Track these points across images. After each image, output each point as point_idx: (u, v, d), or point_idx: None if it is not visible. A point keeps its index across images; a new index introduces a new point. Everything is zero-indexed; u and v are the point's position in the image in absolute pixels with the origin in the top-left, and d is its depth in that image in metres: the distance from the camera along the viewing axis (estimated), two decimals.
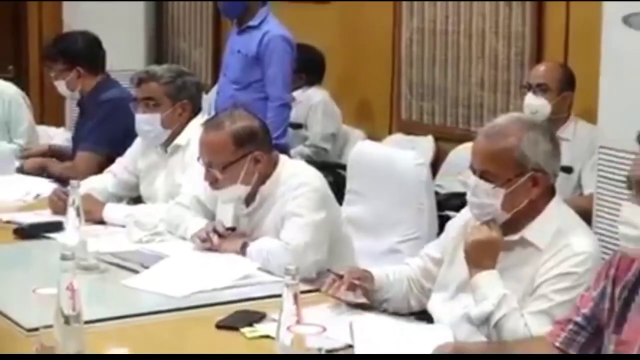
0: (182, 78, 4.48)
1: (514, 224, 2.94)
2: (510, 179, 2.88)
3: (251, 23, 5.70)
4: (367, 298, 3.13)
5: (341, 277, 3.11)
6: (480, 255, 2.81)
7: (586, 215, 4.62)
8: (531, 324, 2.79)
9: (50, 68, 5.38)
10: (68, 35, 5.92)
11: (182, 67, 4.97)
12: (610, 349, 2.49)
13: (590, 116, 4.91)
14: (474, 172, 2.96)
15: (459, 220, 3.18)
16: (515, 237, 2.93)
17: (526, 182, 2.89)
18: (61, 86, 5.30)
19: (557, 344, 2.59)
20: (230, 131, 3.66)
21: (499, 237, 2.83)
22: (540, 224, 2.92)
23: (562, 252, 2.83)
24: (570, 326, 2.59)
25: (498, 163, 2.90)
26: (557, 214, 2.95)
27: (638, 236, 2.35)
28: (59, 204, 4.16)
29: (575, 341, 2.58)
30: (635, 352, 2.40)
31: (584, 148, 4.96)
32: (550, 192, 2.98)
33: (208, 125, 3.81)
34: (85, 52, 5.30)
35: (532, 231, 2.91)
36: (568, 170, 5.02)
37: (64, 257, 2.71)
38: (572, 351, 2.57)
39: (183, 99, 4.41)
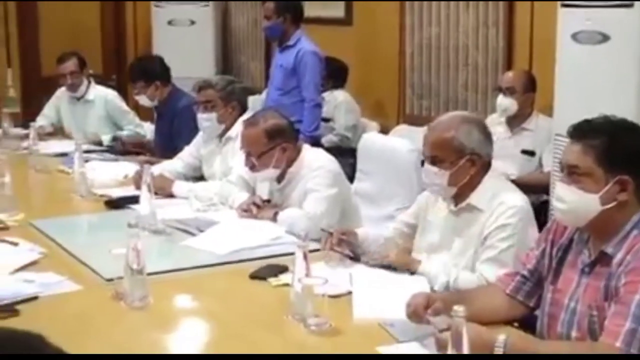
0: (232, 85, 4.51)
1: (461, 195, 2.97)
2: (453, 161, 2.91)
3: (288, 43, 5.69)
4: (352, 251, 3.14)
5: (332, 234, 3.15)
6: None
7: (545, 186, 4.63)
8: (484, 271, 2.85)
9: (133, 86, 5.38)
10: (144, 59, 5.96)
11: (232, 77, 4.98)
12: (548, 295, 2.50)
13: (549, 111, 4.87)
14: (426, 158, 3.01)
15: (426, 193, 3.19)
16: (463, 204, 2.97)
17: (465, 164, 2.92)
18: (142, 99, 5.33)
19: (508, 291, 2.59)
20: (263, 127, 3.67)
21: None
22: (480, 192, 2.95)
23: (498, 209, 2.89)
24: (518, 277, 2.59)
25: (442, 150, 2.94)
26: (492, 183, 2.98)
27: (566, 209, 2.36)
28: (139, 182, 4.17)
29: (521, 289, 2.58)
30: (567, 298, 2.40)
31: (543, 136, 4.91)
32: (486, 168, 2.99)
33: (247, 123, 3.83)
34: (159, 71, 5.32)
35: (474, 198, 2.95)
36: (531, 153, 5.01)
37: (130, 225, 2.75)
38: (519, 297, 2.58)
39: (233, 102, 4.42)
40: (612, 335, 2.14)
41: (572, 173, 2.34)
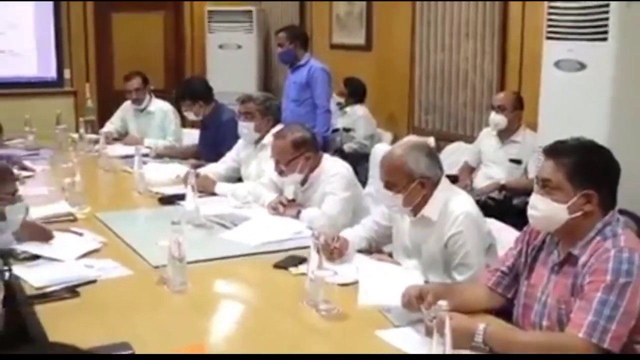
0: (269, 101, 4.49)
1: (417, 208, 2.91)
2: (404, 186, 2.85)
3: (300, 63, 5.77)
4: (340, 256, 2.99)
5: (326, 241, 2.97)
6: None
7: (529, 190, 4.51)
8: (456, 277, 2.83)
9: (181, 103, 5.37)
10: (190, 81, 5.95)
11: (270, 94, 4.89)
12: (523, 289, 2.46)
13: (534, 126, 4.80)
14: (382, 182, 2.95)
15: None
16: (419, 215, 2.92)
17: (416, 186, 2.86)
18: (189, 115, 5.32)
19: (489, 285, 2.55)
20: (290, 139, 3.64)
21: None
22: (431, 204, 2.89)
23: (449, 219, 2.84)
24: (498, 273, 2.55)
25: (394, 176, 2.89)
26: (441, 195, 2.90)
27: (539, 216, 2.34)
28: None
29: (501, 283, 2.54)
30: (539, 292, 2.38)
31: (529, 148, 4.83)
32: (435, 185, 2.91)
33: (276, 135, 3.80)
34: (203, 92, 5.30)
35: (427, 210, 2.90)
36: (518, 162, 4.94)
37: (173, 223, 2.72)
38: (499, 290, 2.54)
39: (269, 115, 4.40)
40: (577, 327, 2.10)
41: (545, 186, 2.31)
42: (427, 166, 2.89)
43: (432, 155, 2.98)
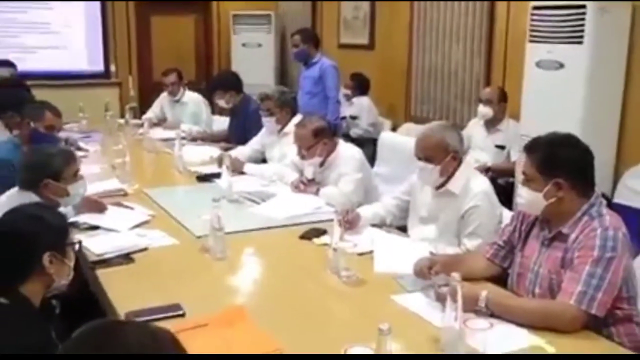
0: (285, 95, 4.39)
1: (444, 182, 2.87)
2: (442, 158, 2.82)
3: (313, 61, 5.67)
4: (352, 227, 2.92)
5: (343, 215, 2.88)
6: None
7: (511, 171, 4.51)
8: (466, 243, 2.79)
9: (214, 93, 5.27)
10: (222, 73, 5.86)
11: (284, 88, 4.79)
12: (517, 260, 2.42)
13: (517, 117, 4.75)
14: (419, 158, 2.88)
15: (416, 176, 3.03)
16: (442, 189, 2.88)
17: (450, 160, 2.83)
18: (221, 102, 5.21)
19: (488, 256, 2.51)
20: (310, 128, 3.58)
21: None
22: (455, 180, 2.86)
23: (469, 195, 2.81)
24: (495, 246, 2.51)
25: (433, 151, 2.84)
26: (464, 172, 2.87)
27: (523, 202, 2.33)
28: (220, 162, 4.10)
29: (498, 255, 2.50)
30: (531, 263, 2.33)
31: (512, 135, 4.76)
32: (460, 162, 2.88)
33: (298, 125, 3.73)
34: (234, 83, 5.20)
35: (451, 185, 2.86)
36: (502, 147, 4.88)
37: (214, 200, 2.67)
38: (496, 260, 2.50)
39: (286, 107, 4.33)
40: (567, 295, 2.06)
41: (525, 178, 2.30)
42: (457, 142, 2.87)
43: (460, 134, 2.95)
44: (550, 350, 1.93)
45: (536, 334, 2.00)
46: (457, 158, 2.84)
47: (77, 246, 1.95)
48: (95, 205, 3.18)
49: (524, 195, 2.29)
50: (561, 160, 2.22)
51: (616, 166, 4.35)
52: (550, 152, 2.23)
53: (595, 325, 2.07)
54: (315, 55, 5.69)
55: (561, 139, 2.29)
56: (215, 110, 6.04)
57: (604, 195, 3.67)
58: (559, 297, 2.08)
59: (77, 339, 1.00)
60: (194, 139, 5.32)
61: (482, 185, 2.84)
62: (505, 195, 4.09)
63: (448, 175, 2.86)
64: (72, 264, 1.86)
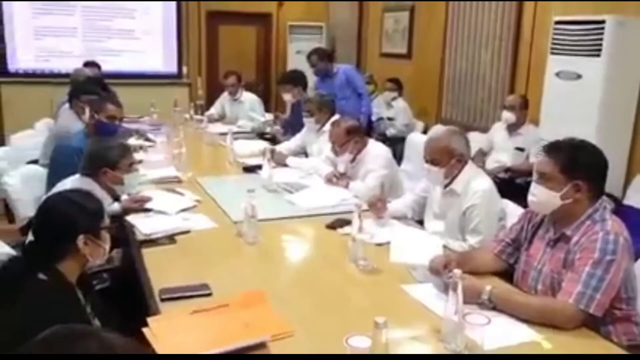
0: (323, 98, 4.27)
1: (448, 183, 2.72)
2: (447, 162, 2.67)
3: (333, 72, 5.45)
4: (380, 212, 2.83)
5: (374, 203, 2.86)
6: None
7: (530, 172, 4.26)
8: (469, 239, 2.63)
9: (282, 88, 5.18)
10: (294, 71, 5.64)
11: (323, 92, 4.62)
12: (522, 258, 2.24)
13: (536, 122, 4.51)
14: (426, 160, 2.72)
15: None
16: (448, 189, 2.74)
17: (454, 163, 2.68)
18: (287, 96, 5.13)
19: (495, 252, 2.34)
20: (344, 127, 3.46)
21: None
22: (459, 180, 2.70)
23: (469, 193, 2.64)
24: (503, 243, 2.34)
25: (439, 154, 2.68)
26: (467, 173, 2.70)
27: (537, 201, 2.11)
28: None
29: (505, 252, 2.33)
30: (536, 261, 2.15)
31: (531, 138, 4.51)
32: (464, 163, 2.71)
33: (333, 124, 3.61)
34: (302, 80, 5.14)
35: (455, 185, 2.71)
36: (522, 150, 4.64)
37: (248, 190, 2.57)
38: (503, 257, 2.33)
39: (325, 109, 4.19)
40: (567, 294, 1.88)
41: (542, 177, 2.08)
42: (463, 147, 2.70)
43: (466, 139, 2.77)
44: (547, 346, 1.76)
45: (534, 330, 1.83)
46: (462, 161, 2.68)
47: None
48: (136, 204, 2.91)
49: (537, 193, 2.08)
50: (583, 164, 2.02)
51: (628, 170, 4.07)
52: (574, 155, 2.03)
53: (594, 323, 1.89)
54: (333, 67, 5.51)
55: (582, 143, 2.09)
56: (270, 108, 5.97)
57: (614, 198, 3.43)
58: (559, 296, 1.90)
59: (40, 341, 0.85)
60: (250, 132, 5.26)
61: (482, 184, 2.66)
62: (522, 194, 3.88)
63: (453, 176, 2.70)
64: (107, 246, 1.79)
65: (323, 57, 5.52)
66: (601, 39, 3.83)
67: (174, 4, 7.82)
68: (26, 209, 3.20)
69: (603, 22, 3.82)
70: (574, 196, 2.01)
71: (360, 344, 1.48)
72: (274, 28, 8.52)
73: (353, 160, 3.51)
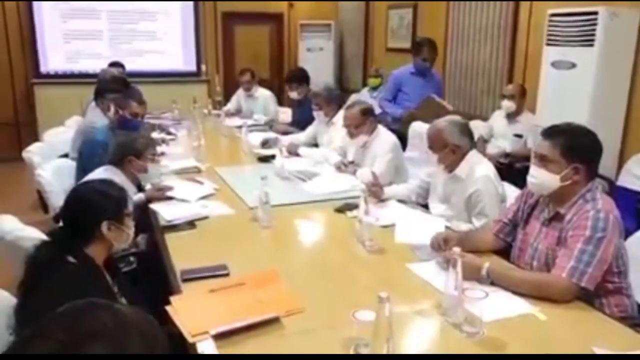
0: (331, 92, 4.24)
1: (451, 167, 2.70)
2: (440, 149, 2.66)
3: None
4: (377, 196, 2.88)
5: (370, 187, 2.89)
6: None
7: (528, 156, 4.21)
8: (475, 222, 2.59)
9: (290, 86, 5.15)
10: (299, 69, 5.62)
11: (331, 86, 4.55)
12: (519, 236, 2.23)
13: (533, 110, 4.44)
14: (430, 147, 2.72)
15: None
16: (451, 174, 2.71)
17: (448, 152, 2.66)
18: (293, 94, 5.11)
19: (494, 232, 2.33)
20: (359, 108, 3.44)
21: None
22: (462, 166, 2.67)
23: (472, 179, 2.62)
24: (501, 223, 2.33)
25: (433, 142, 2.68)
26: (470, 160, 2.67)
27: (536, 182, 2.08)
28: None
29: (503, 231, 2.32)
30: (532, 239, 2.13)
31: (529, 125, 4.46)
32: (465, 153, 2.67)
33: (348, 106, 3.58)
34: (306, 78, 5.07)
35: (458, 170, 2.68)
36: (520, 136, 4.59)
37: (262, 178, 2.58)
38: (501, 236, 2.32)
39: (333, 102, 4.17)
40: (561, 269, 1.87)
41: (542, 159, 2.05)
42: (458, 138, 2.65)
43: (464, 130, 2.70)
44: (542, 318, 1.75)
45: (530, 303, 1.82)
46: (455, 152, 2.65)
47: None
48: (158, 194, 2.92)
49: (537, 175, 2.05)
50: (582, 147, 2.00)
51: (620, 154, 4.02)
52: (573, 139, 2.00)
53: (588, 297, 1.87)
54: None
55: (580, 128, 2.06)
56: (285, 103, 5.95)
57: (609, 180, 3.39)
58: (554, 271, 1.89)
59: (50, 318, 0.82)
60: (264, 126, 5.26)
61: (484, 171, 2.64)
62: (521, 178, 3.85)
63: (451, 164, 2.68)
64: (130, 231, 1.81)
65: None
66: (594, 30, 3.77)
67: (191, 4, 7.81)
68: (58, 199, 3.23)
69: (596, 13, 3.75)
70: (572, 178, 1.99)
71: (366, 317, 1.49)
72: (286, 27, 8.48)
73: (364, 144, 3.47)
